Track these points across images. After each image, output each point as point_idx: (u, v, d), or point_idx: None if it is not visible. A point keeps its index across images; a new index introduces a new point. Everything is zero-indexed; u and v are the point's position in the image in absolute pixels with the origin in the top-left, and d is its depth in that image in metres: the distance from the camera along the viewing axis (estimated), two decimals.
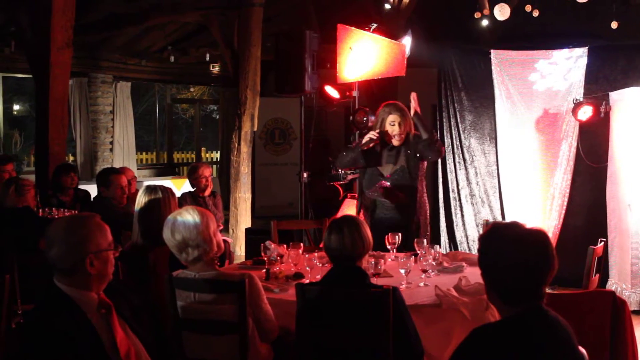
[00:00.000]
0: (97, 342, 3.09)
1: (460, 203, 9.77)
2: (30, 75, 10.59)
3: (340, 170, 7.94)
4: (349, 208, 8.14)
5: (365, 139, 6.52)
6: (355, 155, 6.56)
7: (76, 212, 7.35)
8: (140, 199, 5.19)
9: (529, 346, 2.67)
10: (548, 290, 2.83)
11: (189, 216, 4.10)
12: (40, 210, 7.17)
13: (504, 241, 2.78)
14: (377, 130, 6.46)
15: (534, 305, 2.76)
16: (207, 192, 8.20)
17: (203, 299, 4.10)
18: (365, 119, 8.05)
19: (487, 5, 10.15)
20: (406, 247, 5.68)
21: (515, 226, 2.82)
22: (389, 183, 6.46)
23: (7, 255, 5.60)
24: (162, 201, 5.15)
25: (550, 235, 8.49)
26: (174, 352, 4.16)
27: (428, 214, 6.65)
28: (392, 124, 6.43)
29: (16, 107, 21.52)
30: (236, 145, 10.96)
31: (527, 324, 2.71)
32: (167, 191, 5.25)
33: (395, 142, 6.45)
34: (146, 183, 6.52)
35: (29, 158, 14.83)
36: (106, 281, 3.25)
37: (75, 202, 8.16)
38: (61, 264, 3.15)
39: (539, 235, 2.79)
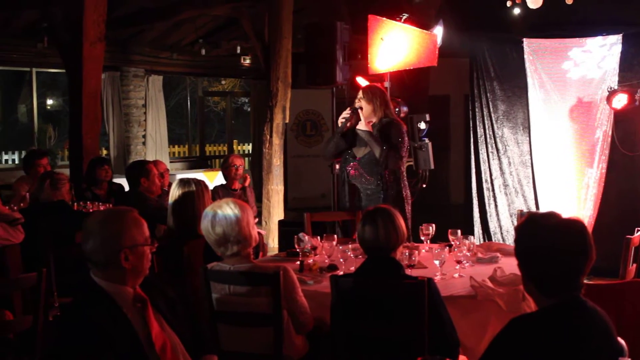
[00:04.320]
0: (133, 336, 3.09)
1: (494, 193, 9.71)
2: (63, 70, 10.66)
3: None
4: None
5: (340, 122, 6.68)
6: (336, 139, 6.70)
7: (110, 205, 7.39)
8: (174, 192, 5.23)
9: (568, 337, 2.64)
10: (585, 281, 2.80)
11: (229, 210, 4.07)
12: (75, 204, 7.23)
13: (542, 231, 2.76)
14: (348, 110, 6.64)
15: (572, 295, 2.73)
16: (237, 185, 8.24)
17: (238, 291, 4.11)
18: (397, 109, 8.02)
19: None
20: None
21: (552, 216, 2.79)
22: (358, 165, 6.59)
23: (44, 249, 5.65)
24: (195, 194, 5.18)
25: None
26: (209, 344, 4.17)
27: (407, 209, 6.62)
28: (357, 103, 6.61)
29: (49, 101, 21.66)
30: (268, 137, 10.96)
31: (566, 315, 2.69)
32: (201, 184, 5.28)
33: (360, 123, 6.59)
34: (179, 176, 6.54)
35: (63, 152, 14.91)
36: (142, 276, 3.25)
37: (110, 195, 8.21)
38: (96, 258, 3.15)
39: (576, 225, 2.76)
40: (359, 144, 6.62)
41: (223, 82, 24.84)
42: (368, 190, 6.61)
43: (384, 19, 7.73)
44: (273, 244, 10.40)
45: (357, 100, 6.63)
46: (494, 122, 9.65)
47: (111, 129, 14.72)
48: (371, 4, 9.57)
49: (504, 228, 9.63)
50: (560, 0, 8.82)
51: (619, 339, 2.82)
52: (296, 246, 5.41)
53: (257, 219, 8.26)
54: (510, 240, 9.21)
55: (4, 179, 8.72)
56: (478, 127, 9.73)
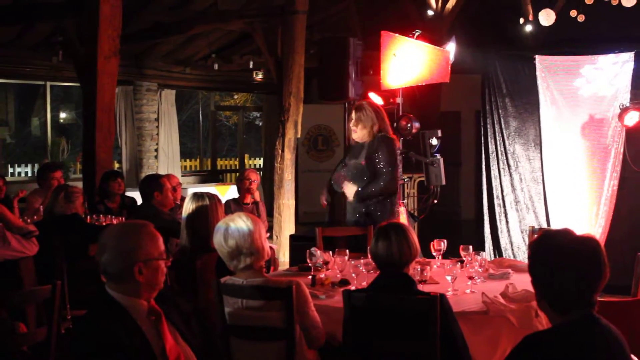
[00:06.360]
0: (147, 349, 3.11)
1: (505, 209, 9.69)
2: (76, 84, 10.71)
3: None
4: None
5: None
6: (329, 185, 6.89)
7: (123, 219, 7.42)
8: (188, 206, 5.24)
9: (581, 354, 2.64)
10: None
11: (242, 223, 4.10)
12: (88, 217, 7.26)
13: (555, 248, 2.76)
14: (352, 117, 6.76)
15: (586, 313, 2.73)
16: (249, 199, 8.26)
17: (250, 305, 4.12)
18: (409, 125, 8.04)
19: (530, 11, 10.10)
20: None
21: (566, 233, 2.80)
22: (346, 175, 6.66)
23: (57, 262, 5.69)
24: (209, 208, 5.20)
25: None
26: (222, 358, 4.18)
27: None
28: (350, 121, 6.71)
29: (63, 115, 21.77)
30: (280, 152, 10.98)
31: (580, 332, 2.68)
32: (214, 198, 5.29)
33: (354, 136, 6.69)
34: (191, 190, 6.56)
35: (75, 165, 15.00)
36: (157, 289, 3.26)
37: (122, 208, 8.23)
38: (110, 270, 3.17)
39: (590, 243, 2.76)
40: (352, 156, 6.72)
41: (235, 96, 24.93)
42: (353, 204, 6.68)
43: (397, 35, 7.77)
44: (284, 258, 10.42)
45: (351, 118, 6.71)
46: (505, 138, 9.65)
47: (124, 143, 14.78)
48: (384, 20, 9.62)
49: (515, 244, 9.61)
50: (572, 17, 8.86)
51: (633, 357, 2.82)
52: (308, 261, 5.42)
53: (268, 234, 8.29)
54: (520, 256, 9.20)
55: (17, 191, 8.79)
56: (489, 144, 9.73)
